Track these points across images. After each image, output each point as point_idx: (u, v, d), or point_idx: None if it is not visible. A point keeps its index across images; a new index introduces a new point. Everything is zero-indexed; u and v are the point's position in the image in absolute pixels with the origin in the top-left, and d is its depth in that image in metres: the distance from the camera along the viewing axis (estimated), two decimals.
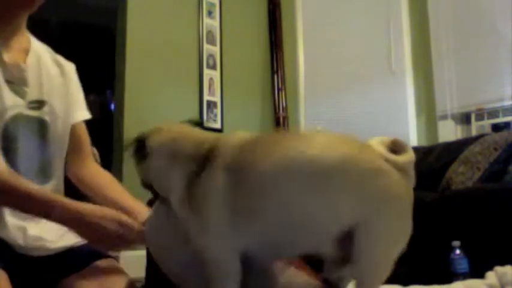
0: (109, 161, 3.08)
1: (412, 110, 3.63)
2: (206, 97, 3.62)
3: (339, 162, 0.93)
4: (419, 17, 3.66)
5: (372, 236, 0.96)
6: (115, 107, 3.52)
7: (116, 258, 1.43)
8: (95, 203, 1.28)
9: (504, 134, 2.48)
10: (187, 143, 1.06)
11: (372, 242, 0.96)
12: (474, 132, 3.30)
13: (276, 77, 3.97)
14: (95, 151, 1.95)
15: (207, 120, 3.60)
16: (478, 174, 2.26)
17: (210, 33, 3.74)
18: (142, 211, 1.28)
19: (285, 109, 3.91)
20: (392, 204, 0.96)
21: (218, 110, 3.69)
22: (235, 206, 0.98)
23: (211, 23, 3.76)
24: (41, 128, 1.30)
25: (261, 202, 0.98)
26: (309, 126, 3.87)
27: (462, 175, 2.31)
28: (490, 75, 3.24)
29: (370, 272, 0.99)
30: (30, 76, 1.29)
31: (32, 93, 1.29)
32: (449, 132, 3.41)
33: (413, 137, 3.58)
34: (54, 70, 1.38)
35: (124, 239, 1.16)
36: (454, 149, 2.56)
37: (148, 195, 1.28)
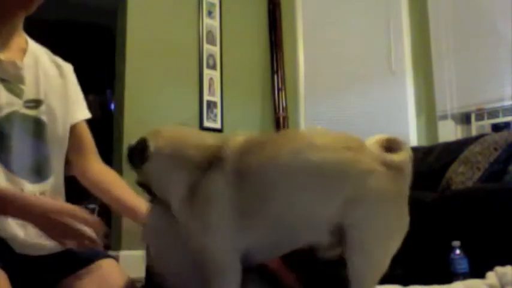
0: (109, 161, 3.08)
1: (412, 110, 3.63)
2: (206, 97, 3.62)
3: (334, 163, 0.98)
4: (419, 17, 3.66)
5: (364, 233, 0.99)
6: (115, 107, 3.52)
7: (116, 258, 1.43)
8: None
9: (504, 134, 2.48)
10: (189, 145, 1.08)
11: (363, 238, 0.99)
12: (474, 132, 3.30)
13: (276, 77, 3.97)
14: (95, 147, 1.95)
15: (207, 120, 3.60)
16: (478, 174, 2.26)
17: (210, 33, 3.74)
18: (145, 210, 1.27)
19: (285, 109, 3.91)
20: (383, 202, 0.99)
21: (218, 110, 3.69)
22: (238, 206, 1.01)
23: (211, 23, 3.76)
24: (37, 127, 1.30)
25: (263, 202, 1.01)
26: (309, 126, 3.86)
27: (462, 175, 2.31)
28: (490, 75, 3.24)
29: (362, 269, 1.01)
30: (27, 75, 1.29)
31: (29, 92, 1.29)
32: (449, 132, 3.41)
33: (413, 137, 3.58)
34: (52, 71, 1.38)
35: (84, 235, 1.13)
36: (454, 149, 2.56)
37: (147, 197, 1.28)
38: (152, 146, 1.08)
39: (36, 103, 1.30)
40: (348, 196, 0.98)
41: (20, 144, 1.25)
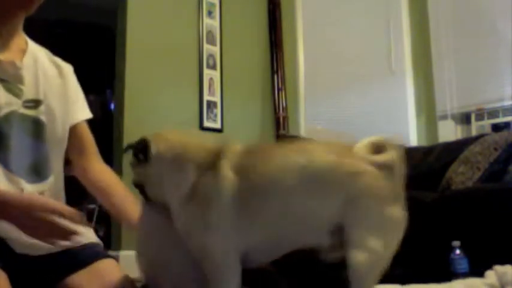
0: (109, 161, 3.08)
1: (412, 110, 3.63)
2: (206, 97, 3.62)
3: (325, 167, 1.05)
4: (419, 17, 3.66)
5: (359, 230, 1.03)
6: (115, 106, 3.52)
7: (116, 258, 1.43)
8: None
9: (504, 134, 2.48)
10: (190, 149, 1.11)
11: (359, 235, 1.03)
12: (474, 132, 3.30)
13: (276, 77, 3.97)
14: (96, 147, 1.95)
15: (207, 120, 3.60)
16: (478, 174, 2.26)
17: (210, 33, 3.74)
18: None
19: (285, 109, 3.91)
20: (376, 199, 1.04)
21: (218, 110, 3.69)
22: (238, 207, 1.04)
23: (211, 23, 3.76)
24: (37, 127, 1.30)
25: (262, 203, 1.05)
26: (309, 126, 3.87)
27: (462, 175, 2.31)
28: (490, 75, 3.24)
29: (362, 267, 1.03)
30: (26, 75, 1.29)
31: (28, 92, 1.29)
32: (449, 132, 3.41)
33: (413, 137, 3.58)
34: (51, 71, 1.39)
35: (60, 230, 1.11)
36: (454, 149, 2.56)
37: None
38: (154, 149, 1.10)
39: (35, 103, 1.30)
40: (341, 196, 1.03)
41: (19, 144, 1.25)
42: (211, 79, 3.68)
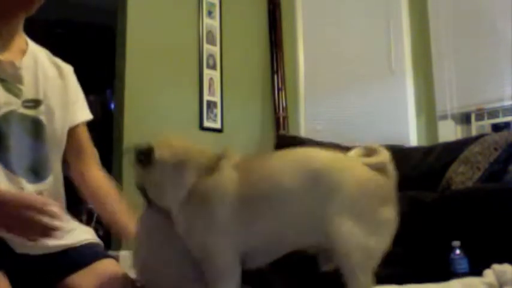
0: (109, 161, 3.08)
1: (412, 110, 3.63)
2: (206, 97, 3.62)
3: (321, 167, 1.10)
4: (419, 17, 3.66)
5: (343, 227, 1.06)
6: (115, 106, 3.52)
7: (116, 258, 1.43)
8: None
9: (504, 134, 2.48)
10: (192, 153, 1.16)
11: (343, 231, 1.06)
12: (474, 132, 3.30)
13: (276, 77, 3.97)
14: (95, 151, 1.95)
15: (207, 120, 3.60)
16: (478, 174, 2.26)
17: (210, 33, 3.74)
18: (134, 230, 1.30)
19: (285, 109, 3.91)
20: (365, 197, 1.09)
21: (218, 110, 3.69)
22: (240, 204, 1.07)
23: (211, 23, 3.76)
24: (36, 127, 1.30)
25: (263, 201, 1.08)
26: (309, 126, 3.87)
27: (462, 175, 2.31)
28: (490, 75, 3.24)
29: (346, 261, 1.06)
30: (26, 75, 1.29)
31: (28, 92, 1.29)
32: (449, 132, 3.41)
33: (413, 137, 3.58)
34: (52, 71, 1.39)
35: (39, 227, 1.09)
36: (454, 149, 2.56)
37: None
38: (157, 154, 1.13)
39: (35, 103, 1.31)
40: (336, 195, 1.07)
41: (18, 144, 1.25)
42: (211, 79, 3.68)
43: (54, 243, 1.26)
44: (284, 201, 1.07)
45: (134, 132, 3.10)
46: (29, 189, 1.25)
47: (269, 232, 1.09)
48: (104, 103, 4.53)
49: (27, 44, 1.36)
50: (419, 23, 3.66)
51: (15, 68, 1.28)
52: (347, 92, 3.81)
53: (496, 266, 1.56)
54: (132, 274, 1.36)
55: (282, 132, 3.79)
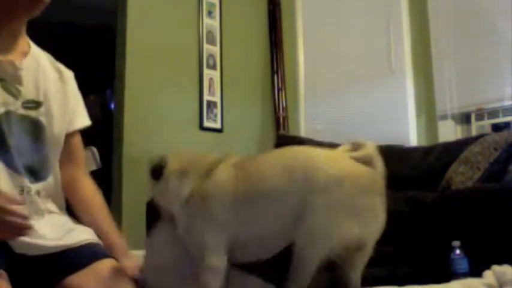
0: (109, 161, 3.08)
1: (412, 110, 3.62)
2: (206, 97, 3.62)
3: (302, 167, 1.17)
4: (419, 17, 3.66)
5: (317, 211, 1.12)
6: (115, 106, 3.52)
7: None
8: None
9: (504, 134, 2.48)
10: (194, 161, 1.25)
11: (315, 214, 1.12)
12: (474, 132, 3.29)
13: (276, 77, 3.96)
14: (95, 150, 1.96)
15: (207, 120, 3.60)
16: (478, 174, 2.26)
17: (210, 33, 3.74)
18: (123, 248, 1.36)
19: (285, 109, 3.91)
20: (350, 185, 1.15)
21: (218, 110, 3.69)
22: (238, 196, 1.15)
23: (211, 23, 3.76)
24: (36, 128, 1.31)
25: (257, 196, 1.16)
26: (309, 126, 3.87)
27: (462, 175, 2.31)
28: (490, 75, 3.24)
29: (307, 237, 1.13)
30: (26, 76, 1.30)
31: (27, 93, 1.29)
32: (449, 132, 3.41)
33: (413, 137, 3.57)
34: (52, 75, 1.39)
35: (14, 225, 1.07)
36: (454, 149, 2.56)
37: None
38: (167, 167, 1.23)
39: (36, 104, 1.31)
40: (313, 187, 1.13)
41: (19, 143, 1.25)
42: (211, 79, 3.68)
43: (53, 243, 1.26)
44: (274, 200, 1.15)
45: (134, 132, 3.10)
46: (31, 188, 1.26)
47: (259, 230, 1.15)
48: (104, 103, 4.53)
49: (29, 46, 1.37)
50: (419, 23, 3.65)
51: (15, 68, 1.28)
52: (347, 92, 3.81)
53: (496, 267, 1.55)
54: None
55: (282, 132, 3.79)
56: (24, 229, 1.09)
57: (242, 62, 3.91)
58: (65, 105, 1.40)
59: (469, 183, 2.24)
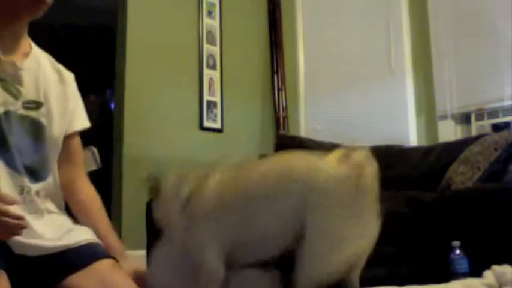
0: (109, 161, 3.08)
1: (412, 110, 3.62)
2: (206, 97, 3.62)
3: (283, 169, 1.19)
4: (419, 17, 3.66)
5: (317, 211, 1.12)
6: (115, 106, 3.52)
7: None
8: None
9: (504, 134, 2.48)
10: (190, 175, 1.27)
11: (315, 215, 1.12)
12: (474, 132, 3.29)
13: (276, 77, 3.97)
14: (95, 150, 1.96)
15: (207, 120, 3.60)
16: (478, 174, 2.26)
17: (210, 33, 3.74)
18: (120, 251, 1.39)
19: (285, 109, 3.91)
20: (339, 186, 1.15)
21: (218, 110, 3.69)
22: (238, 197, 1.16)
23: (211, 23, 3.76)
24: (36, 128, 1.31)
25: (257, 196, 1.16)
26: (309, 126, 3.87)
27: (462, 175, 2.31)
28: (490, 75, 3.24)
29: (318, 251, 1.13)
30: (27, 76, 1.30)
31: (28, 94, 1.30)
32: (449, 132, 3.40)
33: (413, 137, 3.57)
34: (53, 76, 1.40)
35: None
36: (454, 149, 2.56)
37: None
38: (164, 179, 1.27)
39: (36, 104, 1.32)
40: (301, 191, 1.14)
41: (19, 143, 1.26)
42: (211, 79, 3.68)
43: (53, 244, 1.26)
44: (274, 200, 1.15)
45: (134, 132, 3.10)
46: (31, 188, 1.26)
47: (259, 230, 1.16)
48: (104, 103, 4.53)
49: (31, 47, 1.37)
50: (419, 23, 3.65)
51: (16, 68, 1.28)
52: (347, 92, 3.81)
53: (496, 267, 1.55)
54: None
55: (282, 132, 3.79)
56: (18, 229, 1.09)
57: (242, 62, 3.91)
58: (65, 106, 1.41)
59: (469, 183, 2.24)
